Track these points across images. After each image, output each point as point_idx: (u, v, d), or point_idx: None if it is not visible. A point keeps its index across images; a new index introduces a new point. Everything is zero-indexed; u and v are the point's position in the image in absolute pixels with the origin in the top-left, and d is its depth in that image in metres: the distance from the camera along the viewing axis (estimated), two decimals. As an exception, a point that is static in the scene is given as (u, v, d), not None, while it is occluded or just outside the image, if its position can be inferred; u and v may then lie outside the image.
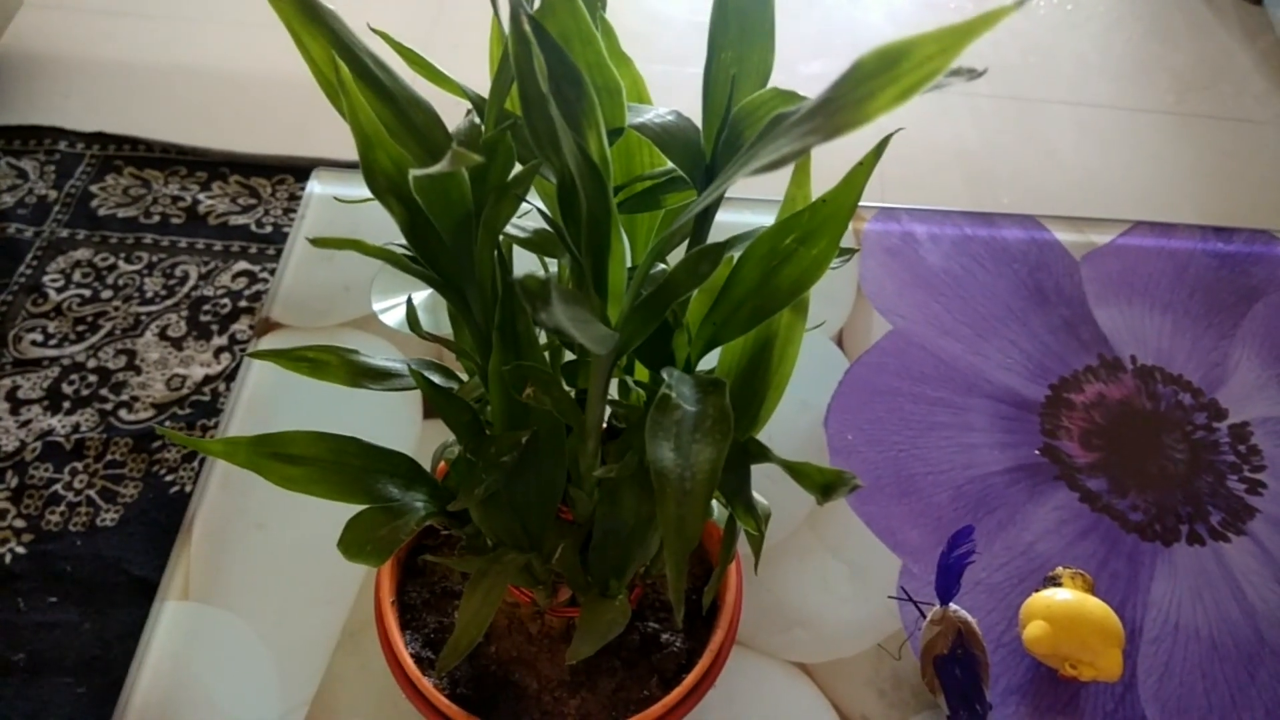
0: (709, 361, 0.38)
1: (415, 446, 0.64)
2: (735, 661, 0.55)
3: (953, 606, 0.54)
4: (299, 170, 1.42)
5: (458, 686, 0.47)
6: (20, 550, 1.06)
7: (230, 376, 1.21)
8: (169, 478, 1.12)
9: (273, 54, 1.60)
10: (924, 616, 0.55)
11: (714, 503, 0.42)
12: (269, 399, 0.64)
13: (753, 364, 0.36)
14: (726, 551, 0.38)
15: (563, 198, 0.29)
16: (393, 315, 0.68)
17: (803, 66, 1.73)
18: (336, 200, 0.73)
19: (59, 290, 1.28)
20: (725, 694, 0.54)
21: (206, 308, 1.27)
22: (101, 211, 1.37)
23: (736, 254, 0.32)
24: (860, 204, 0.45)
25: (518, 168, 0.32)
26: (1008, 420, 0.68)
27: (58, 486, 1.12)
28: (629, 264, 0.33)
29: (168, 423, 1.16)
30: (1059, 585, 0.58)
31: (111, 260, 1.32)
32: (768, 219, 0.32)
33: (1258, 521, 0.65)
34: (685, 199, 0.37)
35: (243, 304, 1.28)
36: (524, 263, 0.37)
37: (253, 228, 1.36)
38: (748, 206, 0.74)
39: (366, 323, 0.68)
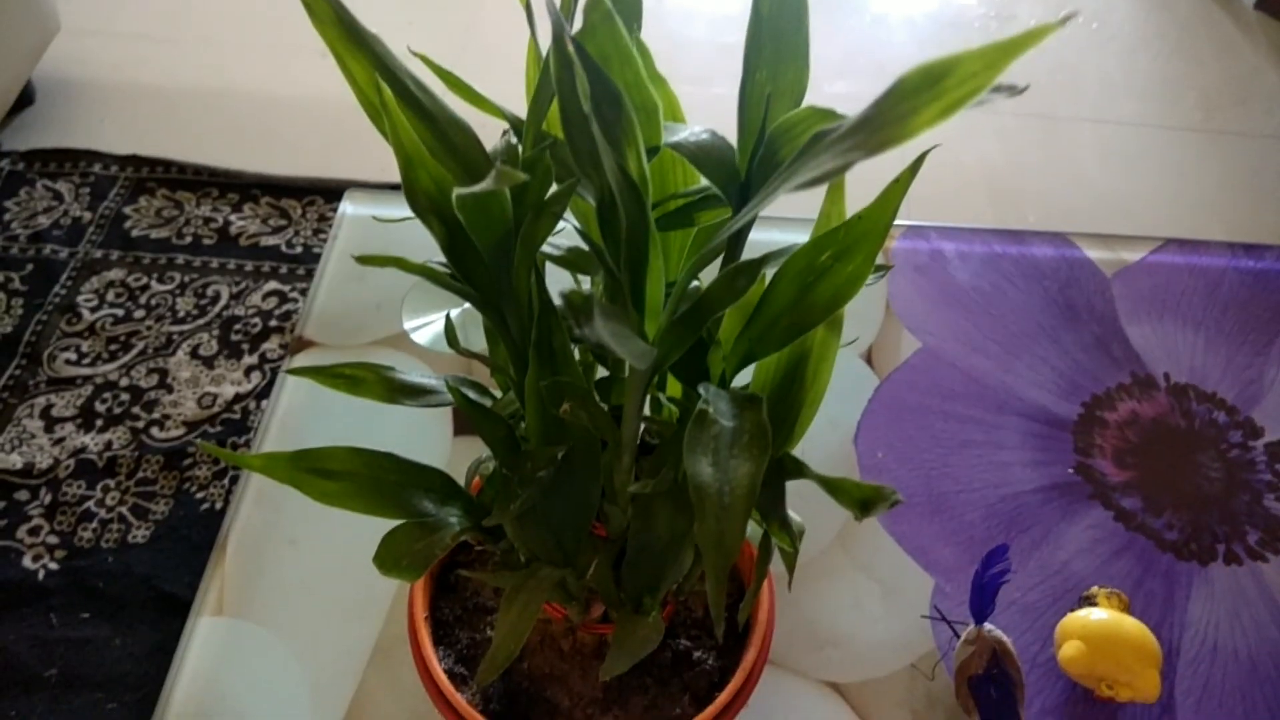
0: (743, 377, 0.38)
1: (446, 462, 0.64)
2: (767, 680, 0.55)
3: (987, 626, 0.53)
4: (328, 192, 1.44)
5: (490, 703, 0.47)
6: (53, 566, 1.08)
7: (261, 395, 1.22)
8: (199, 495, 1.14)
9: (303, 78, 1.62)
10: (958, 636, 0.55)
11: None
12: (302, 416, 0.65)
13: (787, 380, 0.36)
14: (761, 569, 0.38)
15: (602, 215, 0.29)
16: (424, 333, 0.68)
17: (827, 86, 1.74)
18: (375, 220, 0.74)
19: (93, 310, 1.30)
20: (757, 713, 0.54)
21: (237, 327, 1.29)
22: (135, 233, 1.40)
23: (772, 270, 0.32)
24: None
25: (553, 186, 0.33)
26: (1040, 438, 0.68)
27: (90, 503, 1.13)
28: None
29: (199, 440, 1.18)
30: (1094, 605, 0.57)
31: (144, 280, 1.34)
32: (797, 237, 0.32)
33: (1296, 541, 0.64)
34: (719, 216, 0.38)
35: (273, 323, 1.29)
36: (556, 279, 0.38)
37: (283, 248, 1.38)
38: (776, 225, 0.75)
39: (398, 341, 0.69)
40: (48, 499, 1.13)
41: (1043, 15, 2.02)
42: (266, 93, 1.62)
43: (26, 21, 1.41)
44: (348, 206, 0.76)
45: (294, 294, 1.33)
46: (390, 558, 0.39)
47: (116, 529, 1.11)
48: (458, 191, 0.23)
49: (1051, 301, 0.76)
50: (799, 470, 0.34)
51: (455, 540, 0.39)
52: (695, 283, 0.37)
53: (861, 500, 0.27)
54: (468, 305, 0.65)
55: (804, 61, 0.32)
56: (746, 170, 0.33)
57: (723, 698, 0.44)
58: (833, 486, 0.29)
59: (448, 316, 0.41)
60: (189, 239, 1.39)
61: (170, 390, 1.22)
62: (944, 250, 0.78)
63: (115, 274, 1.34)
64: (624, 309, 0.30)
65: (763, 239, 0.76)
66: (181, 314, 1.30)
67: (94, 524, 1.11)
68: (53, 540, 1.10)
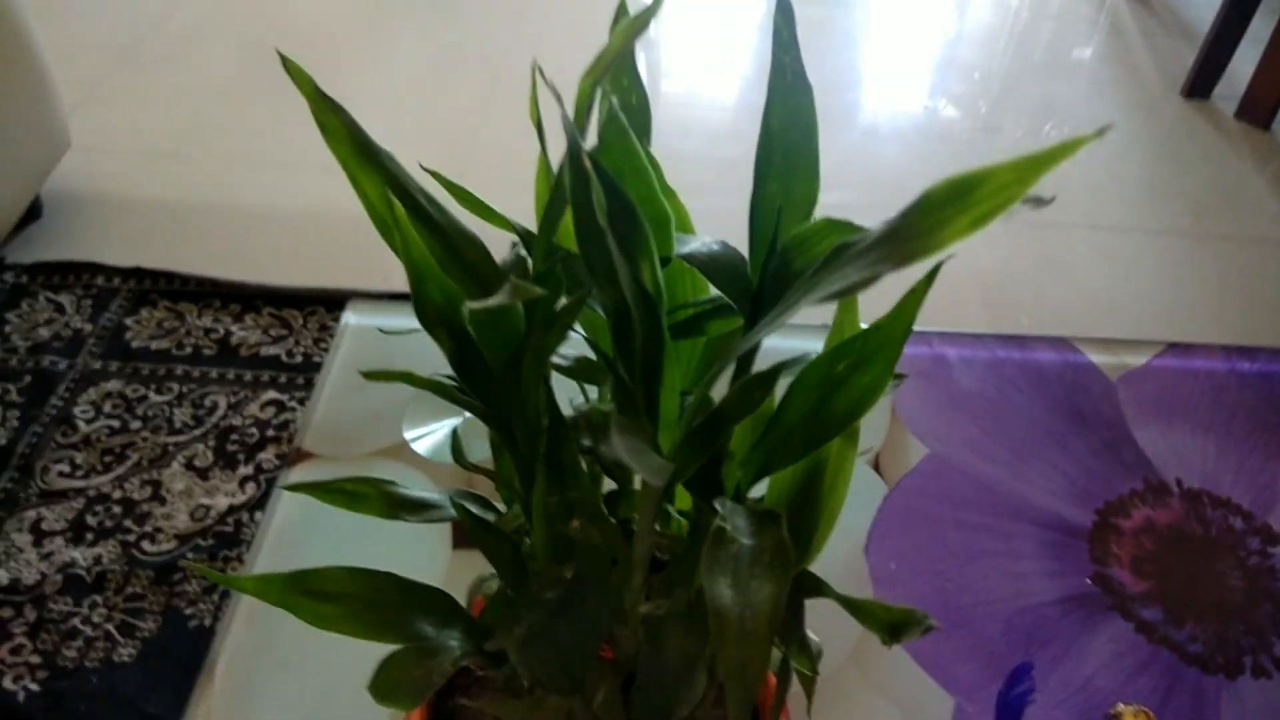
0: (757, 490, 0.37)
1: (444, 576, 0.62)
2: (783, 811, 0.52)
3: (1013, 749, 0.51)
4: (329, 301, 1.44)
5: (491, 841, 0.44)
6: (34, 687, 1.04)
7: (255, 506, 1.20)
8: (189, 611, 1.10)
9: (307, 192, 1.65)
10: (982, 760, 0.52)
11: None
12: (298, 529, 0.63)
13: (803, 492, 0.35)
14: (779, 696, 0.36)
15: (616, 327, 0.29)
16: (425, 443, 0.67)
17: (821, 196, 1.77)
18: (380, 331, 0.73)
19: (88, 421, 1.29)
20: (773, 847, 0.51)
21: (234, 437, 1.27)
22: (135, 344, 1.40)
23: (786, 381, 0.31)
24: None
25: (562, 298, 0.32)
26: (1055, 547, 0.66)
27: (76, 620, 1.09)
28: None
29: (190, 554, 1.15)
30: (1122, 725, 0.55)
31: (142, 391, 1.33)
32: (804, 344, 0.32)
33: (1327, 654, 0.62)
34: (728, 326, 0.37)
35: (270, 433, 1.28)
36: (560, 389, 0.37)
37: (283, 357, 1.37)
38: (782, 331, 0.74)
39: (398, 451, 0.68)
40: (33, 616, 1.09)
41: (1027, 126, 2.08)
42: (271, 206, 1.65)
43: (38, 139, 1.44)
44: (350, 317, 0.76)
45: (292, 403, 1.32)
46: (387, 686, 0.37)
47: (102, 647, 1.07)
48: (470, 305, 0.23)
49: (1058, 406, 0.75)
50: (818, 589, 0.33)
51: (455, 667, 0.37)
52: (705, 393, 0.37)
53: (890, 624, 0.26)
54: (470, 415, 0.64)
55: (814, 175, 0.32)
56: (759, 281, 0.32)
57: (739, 833, 0.41)
58: (858, 608, 0.28)
59: (453, 430, 0.40)
60: (189, 349, 1.39)
61: (163, 502, 1.20)
62: (947, 355, 0.78)
63: (113, 385, 1.34)
64: (638, 422, 0.29)
65: (768, 346, 0.75)
66: (178, 424, 1.29)
67: (79, 642, 1.07)
68: (35, 660, 1.06)
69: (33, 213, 1.54)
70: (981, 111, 2.11)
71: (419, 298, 0.29)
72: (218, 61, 2.01)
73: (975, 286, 1.67)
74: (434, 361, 0.32)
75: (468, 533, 0.63)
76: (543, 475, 0.32)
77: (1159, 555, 0.67)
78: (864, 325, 0.33)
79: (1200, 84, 2.08)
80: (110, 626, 1.09)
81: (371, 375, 0.26)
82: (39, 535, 1.16)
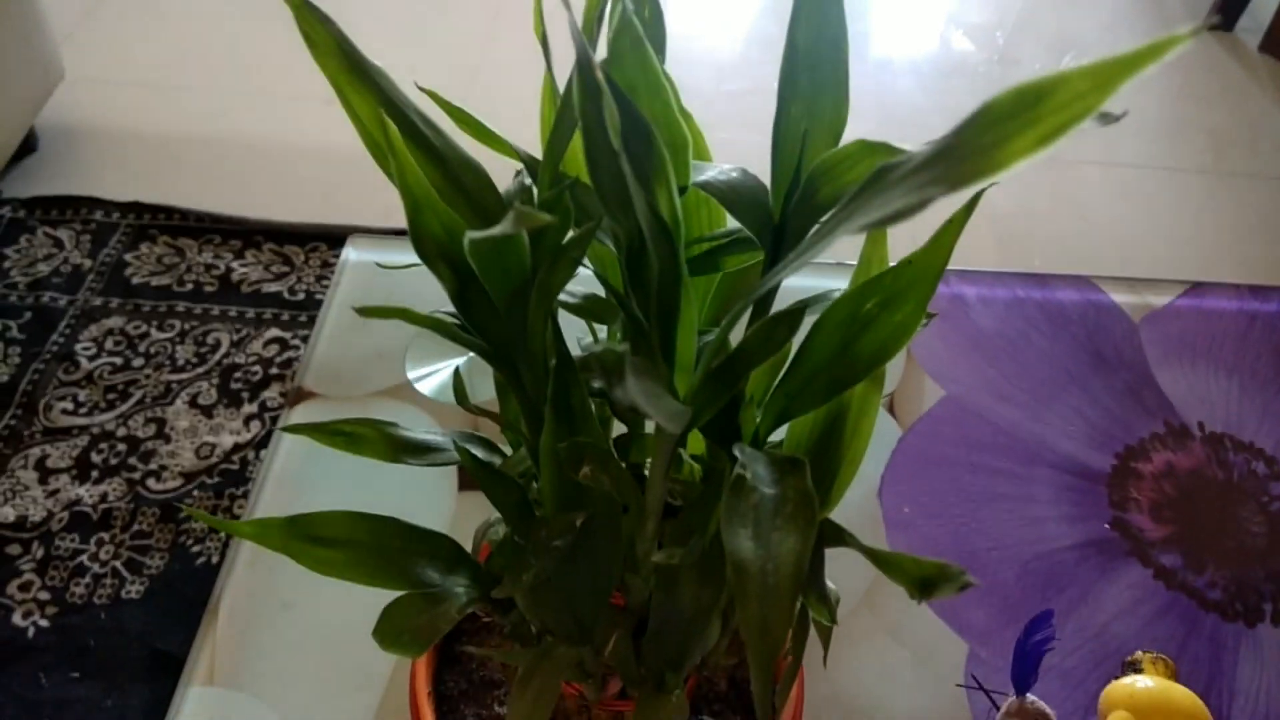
0: (775, 436, 0.35)
1: (450, 520, 0.61)
2: (794, 756, 0.51)
3: (1030, 696, 0.50)
4: (331, 238, 1.42)
5: (498, 786, 0.43)
6: (44, 623, 1.04)
7: (260, 444, 1.19)
8: (195, 548, 1.10)
9: (307, 125, 1.62)
10: (997, 707, 0.51)
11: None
12: (300, 471, 0.62)
13: (824, 439, 0.34)
14: (798, 647, 0.35)
15: (630, 261, 0.27)
16: (428, 383, 0.65)
17: (834, 130, 1.72)
18: (378, 266, 0.71)
19: (90, 358, 1.28)
20: (783, 792, 0.50)
21: (237, 375, 1.26)
22: (135, 280, 1.38)
23: (810, 320, 0.29)
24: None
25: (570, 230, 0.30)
26: (1074, 492, 0.65)
27: (83, 558, 1.09)
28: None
29: (195, 492, 1.14)
30: (1139, 671, 0.54)
31: (144, 328, 1.31)
32: (821, 282, 0.30)
33: (1349, 601, 0.61)
34: (746, 261, 0.35)
35: (274, 371, 1.27)
36: (568, 328, 0.35)
37: (285, 295, 1.36)
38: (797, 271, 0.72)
39: (401, 391, 0.66)
40: (40, 553, 1.09)
41: (1045, 58, 2.02)
42: (270, 140, 1.61)
43: (30, 70, 1.40)
44: (350, 253, 0.74)
45: (295, 341, 1.30)
46: (392, 632, 0.36)
47: (110, 584, 1.07)
48: (471, 236, 0.21)
49: (1080, 348, 0.73)
50: (840, 538, 0.31)
51: (461, 613, 0.36)
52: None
53: (922, 580, 0.24)
54: (475, 355, 0.62)
55: (843, 94, 0.29)
56: (781, 211, 0.30)
57: (751, 781, 0.41)
58: (885, 561, 0.26)
59: (456, 370, 0.38)
60: (190, 286, 1.37)
61: (168, 440, 1.19)
62: (965, 295, 0.76)
63: (114, 322, 1.32)
64: (652, 363, 0.28)
65: (783, 287, 0.73)
66: (181, 362, 1.28)
67: (87, 579, 1.08)
68: (44, 596, 1.06)
69: (28, 145, 1.51)
70: (999, 43, 2.05)
71: (416, 229, 0.27)
72: (213, -13, 1.95)
73: (986, 224, 1.64)
74: (438, 299, 0.30)
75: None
76: (550, 418, 0.30)
77: (1179, 500, 0.65)
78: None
79: (1225, 15, 2.01)
80: (118, 563, 1.09)
81: (367, 312, 0.24)
82: (44, 473, 1.16)
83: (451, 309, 0.31)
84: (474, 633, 0.48)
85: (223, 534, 1.11)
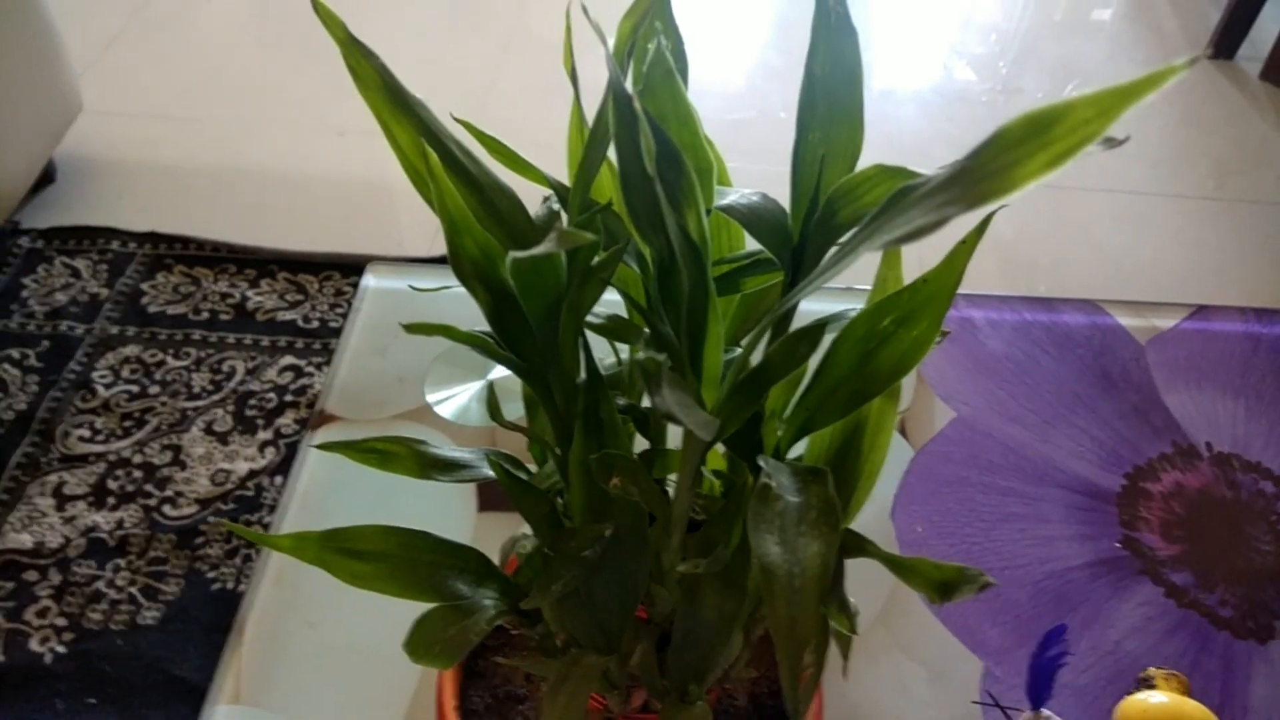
0: (796, 450, 0.36)
1: (470, 540, 0.62)
2: (812, 771, 0.52)
3: (1045, 712, 0.50)
4: (345, 267, 1.44)
5: (523, 799, 0.44)
6: (60, 649, 1.05)
7: (274, 471, 1.21)
8: (211, 575, 1.11)
9: (321, 156, 1.64)
10: (1012, 722, 0.52)
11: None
12: (324, 492, 0.63)
13: (843, 451, 0.35)
14: (819, 657, 0.36)
15: (661, 279, 0.28)
16: (447, 407, 0.67)
17: (839, 158, 1.74)
18: (412, 289, 0.73)
19: (107, 386, 1.29)
20: (802, 807, 0.51)
21: (252, 402, 1.28)
22: (151, 309, 1.40)
23: (830, 337, 0.31)
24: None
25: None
26: (1084, 511, 0.65)
27: (100, 584, 1.10)
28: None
29: (211, 518, 1.15)
30: (1152, 687, 0.54)
31: (160, 356, 1.33)
32: (831, 306, 0.31)
33: (1359, 617, 0.62)
34: (766, 282, 0.37)
35: (288, 398, 1.28)
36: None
37: (299, 323, 1.37)
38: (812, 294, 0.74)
39: (420, 414, 0.67)
40: (57, 579, 1.10)
41: (1048, 88, 2.04)
42: (285, 170, 1.64)
43: (50, 102, 1.43)
44: (370, 280, 0.76)
45: (310, 368, 1.32)
46: (423, 644, 0.37)
47: (126, 610, 1.08)
48: (514, 255, 0.22)
49: (1087, 370, 0.74)
50: (861, 548, 0.32)
51: (491, 625, 0.37)
52: (738, 349, 0.36)
53: (941, 583, 0.25)
54: (497, 376, 0.64)
55: (858, 122, 0.31)
56: (800, 233, 0.32)
57: (772, 792, 0.41)
58: (904, 567, 0.27)
59: (489, 387, 0.39)
60: (205, 314, 1.39)
61: (183, 467, 1.20)
62: (973, 318, 0.77)
63: (131, 350, 1.34)
64: (684, 377, 0.29)
65: (800, 309, 0.74)
66: (196, 390, 1.29)
67: (103, 605, 1.08)
68: (60, 622, 1.07)
69: (47, 177, 1.53)
70: (1001, 72, 2.08)
71: (455, 250, 0.29)
72: (229, 18, 1.99)
73: (991, 249, 1.65)
74: (460, 322, 0.32)
75: (495, 495, 0.63)
76: (581, 432, 0.32)
77: (1189, 519, 0.66)
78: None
79: (1225, 44, 2.04)
80: (134, 590, 1.10)
81: (412, 328, 0.26)
82: (61, 499, 1.17)
83: (484, 328, 0.32)
84: (497, 648, 0.49)
85: (239, 559, 1.12)
